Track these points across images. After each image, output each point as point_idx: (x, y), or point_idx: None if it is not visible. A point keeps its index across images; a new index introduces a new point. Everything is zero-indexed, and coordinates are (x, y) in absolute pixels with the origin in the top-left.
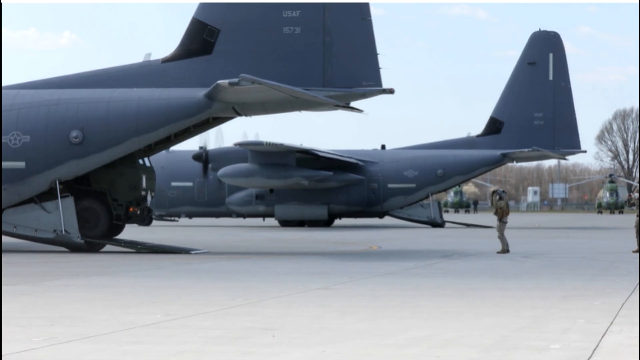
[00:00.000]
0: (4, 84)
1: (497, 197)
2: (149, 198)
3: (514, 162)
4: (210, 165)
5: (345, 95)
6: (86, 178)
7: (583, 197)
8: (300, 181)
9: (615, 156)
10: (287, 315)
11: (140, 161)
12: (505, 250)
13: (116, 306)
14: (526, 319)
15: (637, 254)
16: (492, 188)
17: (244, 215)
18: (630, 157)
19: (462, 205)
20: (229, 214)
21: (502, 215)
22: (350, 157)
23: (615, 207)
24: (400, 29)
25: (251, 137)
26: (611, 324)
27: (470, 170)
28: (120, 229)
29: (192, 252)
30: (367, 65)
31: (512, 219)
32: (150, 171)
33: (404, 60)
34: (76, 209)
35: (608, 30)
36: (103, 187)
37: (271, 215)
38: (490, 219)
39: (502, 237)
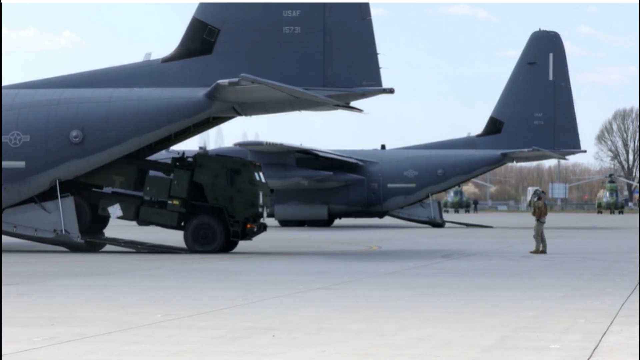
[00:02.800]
0: (4, 83)
1: (536, 197)
2: (264, 214)
3: (514, 162)
4: None
5: (345, 95)
6: (202, 194)
7: (583, 197)
8: (300, 181)
9: (615, 156)
10: (287, 315)
11: (257, 177)
12: (541, 250)
13: (116, 306)
14: (526, 319)
15: None
16: (533, 188)
17: None
18: (630, 157)
19: (462, 205)
20: None
21: (540, 215)
22: (350, 157)
23: (615, 207)
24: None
25: (251, 137)
26: (611, 323)
27: (470, 170)
28: (234, 245)
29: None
30: (367, 65)
31: (512, 218)
32: (266, 187)
33: (404, 60)
34: (193, 225)
35: (608, 30)
36: (221, 203)
37: (271, 215)
38: (490, 219)
39: (538, 237)
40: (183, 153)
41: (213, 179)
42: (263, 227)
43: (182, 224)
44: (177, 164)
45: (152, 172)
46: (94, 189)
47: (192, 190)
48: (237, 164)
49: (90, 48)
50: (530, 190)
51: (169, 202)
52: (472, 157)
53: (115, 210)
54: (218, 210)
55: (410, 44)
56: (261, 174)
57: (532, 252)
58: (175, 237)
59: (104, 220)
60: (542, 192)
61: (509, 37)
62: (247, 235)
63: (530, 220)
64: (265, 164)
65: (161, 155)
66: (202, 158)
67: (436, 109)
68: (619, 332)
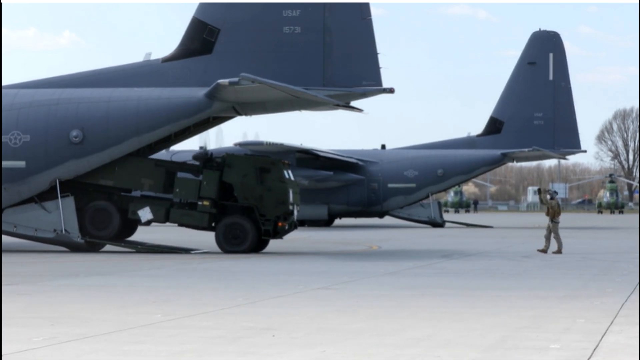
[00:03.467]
0: (4, 83)
1: (549, 196)
2: (295, 212)
3: (514, 161)
4: None
5: (346, 95)
6: (232, 194)
7: (583, 197)
8: (301, 181)
9: (616, 156)
10: (287, 315)
11: (287, 175)
12: (557, 250)
13: (116, 306)
14: (526, 319)
15: None
16: (545, 188)
17: None
18: (631, 157)
19: (462, 205)
20: None
21: (553, 215)
22: (351, 157)
23: (616, 207)
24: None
25: (251, 137)
26: (611, 323)
27: (471, 170)
28: (265, 244)
29: (192, 252)
30: (367, 64)
31: (512, 218)
32: (295, 185)
33: (404, 60)
34: (224, 225)
35: (608, 30)
36: (251, 202)
37: None
38: (490, 219)
39: (557, 237)
40: (211, 154)
41: (242, 178)
42: (294, 225)
43: (213, 224)
44: (206, 164)
45: (180, 174)
46: (122, 193)
47: (221, 191)
48: (266, 162)
49: (90, 48)
50: (531, 190)
51: (199, 203)
52: (472, 157)
53: (145, 213)
54: (248, 210)
55: (411, 44)
56: (290, 171)
57: (539, 251)
58: (175, 237)
59: (134, 224)
60: (555, 191)
61: (509, 37)
62: (279, 233)
63: (531, 220)
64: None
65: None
66: (231, 158)
67: (436, 109)
68: (619, 332)
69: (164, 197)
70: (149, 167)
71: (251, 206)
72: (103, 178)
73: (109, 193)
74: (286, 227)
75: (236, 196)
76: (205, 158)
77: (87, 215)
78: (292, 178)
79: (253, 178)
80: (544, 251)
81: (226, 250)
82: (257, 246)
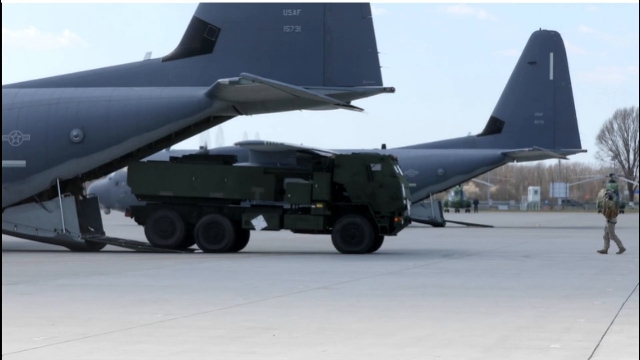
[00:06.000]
0: (4, 83)
1: (607, 197)
2: (408, 206)
3: (515, 161)
4: None
5: (346, 94)
6: (342, 194)
7: (584, 197)
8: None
9: (616, 156)
10: (288, 315)
11: (397, 170)
12: (620, 250)
13: (116, 306)
14: (527, 319)
15: None
16: (603, 190)
17: None
18: (631, 156)
19: (462, 204)
20: None
21: (610, 215)
22: None
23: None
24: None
25: (252, 137)
26: (612, 323)
27: (471, 170)
28: (381, 242)
29: (193, 252)
30: (367, 64)
31: (513, 218)
32: (405, 179)
33: (405, 60)
34: (340, 226)
35: (608, 30)
36: (364, 200)
37: None
38: (491, 218)
39: (614, 237)
40: (319, 156)
41: (353, 177)
42: (408, 220)
43: (328, 227)
44: (315, 167)
45: (287, 179)
46: (231, 204)
47: (333, 192)
48: (376, 159)
49: (90, 48)
50: (531, 189)
51: (312, 206)
52: (472, 156)
53: (259, 222)
54: (362, 208)
55: (411, 43)
56: (399, 166)
57: (599, 252)
58: None
59: (246, 234)
60: (614, 191)
61: (509, 36)
62: (395, 229)
63: (532, 219)
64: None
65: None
66: (340, 158)
67: (437, 108)
68: (620, 331)
69: (270, 204)
70: (258, 175)
71: (365, 204)
72: (212, 191)
73: (219, 206)
74: (402, 222)
75: (348, 196)
76: (315, 161)
77: (200, 230)
78: (402, 173)
79: (364, 176)
80: (604, 252)
81: (344, 250)
82: (374, 244)
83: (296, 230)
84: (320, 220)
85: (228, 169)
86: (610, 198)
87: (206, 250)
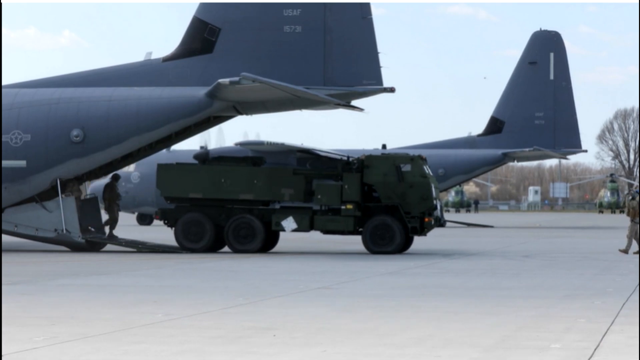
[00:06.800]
0: (4, 83)
1: (630, 197)
2: (438, 207)
3: (515, 161)
4: None
5: (346, 94)
6: (371, 195)
7: (584, 197)
8: None
9: (616, 156)
10: (288, 315)
11: (426, 170)
12: (638, 250)
13: (117, 306)
14: (527, 319)
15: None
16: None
17: None
18: (631, 156)
19: (463, 204)
20: None
21: (634, 215)
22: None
23: (616, 207)
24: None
25: (252, 137)
26: (612, 323)
27: (471, 170)
28: (411, 242)
29: (192, 251)
30: (367, 64)
31: (513, 218)
32: (435, 180)
33: (405, 60)
34: (371, 226)
35: (608, 30)
36: (394, 201)
37: None
38: (491, 218)
39: (631, 237)
40: (348, 157)
41: (383, 178)
42: (438, 221)
43: (358, 228)
44: (345, 168)
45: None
46: (260, 206)
47: (363, 192)
48: (406, 159)
49: (90, 48)
50: (532, 189)
51: (342, 207)
52: (472, 156)
53: (289, 223)
54: (392, 209)
55: (411, 43)
56: (428, 166)
57: (621, 251)
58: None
59: (276, 235)
60: (637, 192)
61: (509, 36)
62: (425, 229)
63: (533, 219)
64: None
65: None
66: (369, 159)
67: (437, 108)
68: (620, 331)
69: (299, 205)
70: (288, 177)
71: (395, 205)
72: (242, 192)
73: (249, 207)
74: (432, 223)
75: (377, 196)
76: (345, 162)
77: (230, 231)
78: (431, 173)
79: (394, 176)
80: (625, 252)
81: (374, 251)
82: (405, 244)
83: (326, 231)
84: (350, 221)
85: (258, 171)
86: (633, 198)
87: (236, 250)
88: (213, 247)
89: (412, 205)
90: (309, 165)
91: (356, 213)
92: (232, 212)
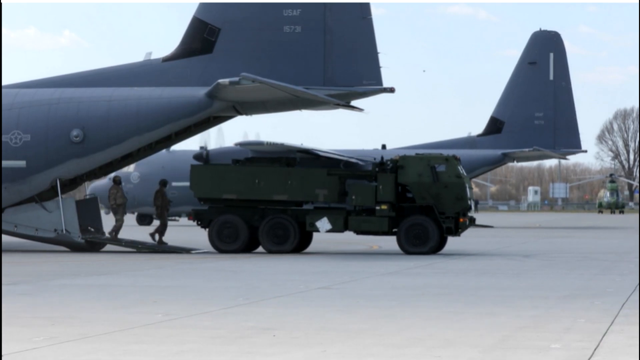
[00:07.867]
0: (4, 83)
1: None
2: (472, 207)
3: (515, 161)
4: None
5: (346, 94)
6: (405, 195)
7: (584, 197)
8: None
9: (616, 156)
10: (288, 315)
11: (461, 170)
12: None
13: (117, 306)
14: (527, 319)
15: None
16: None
17: None
18: (631, 156)
19: None
20: None
21: None
22: (351, 157)
23: (616, 207)
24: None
25: (252, 137)
26: (612, 323)
27: (471, 170)
28: (444, 242)
29: (193, 252)
30: (367, 64)
31: (513, 218)
32: (468, 180)
33: (405, 60)
34: (406, 226)
35: (608, 30)
36: (429, 201)
37: None
38: (491, 218)
39: None
40: (382, 158)
41: (418, 178)
42: (472, 221)
43: (393, 228)
44: (379, 168)
45: (349, 180)
46: (294, 207)
47: (397, 193)
48: (440, 159)
49: (90, 48)
50: (531, 189)
51: (377, 207)
52: (472, 156)
53: (323, 224)
54: (427, 209)
55: (411, 43)
56: (462, 167)
57: None
58: (176, 237)
59: (309, 235)
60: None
61: (509, 36)
62: (459, 229)
63: (532, 219)
64: None
65: (161, 155)
66: (404, 159)
67: (437, 108)
68: (620, 332)
69: (333, 206)
70: (322, 177)
71: (430, 205)
72: (276, 193)
73: (283, 208)
74: (466, 223)
75: (412, 197)
76: (378, 163)
77: (264, 231)
78: (465, 173)
79: (429, 176)
80: None
81: (409, 252)
82: (439, 245)
83: (360, 232)
84: (385, 222)
85: (291, 171)
86: None
87: (270, 251)
88: (247, 248)
89: (446, 205)
90: (342, 166)
91: (390, 213)
92: (266, 212)
